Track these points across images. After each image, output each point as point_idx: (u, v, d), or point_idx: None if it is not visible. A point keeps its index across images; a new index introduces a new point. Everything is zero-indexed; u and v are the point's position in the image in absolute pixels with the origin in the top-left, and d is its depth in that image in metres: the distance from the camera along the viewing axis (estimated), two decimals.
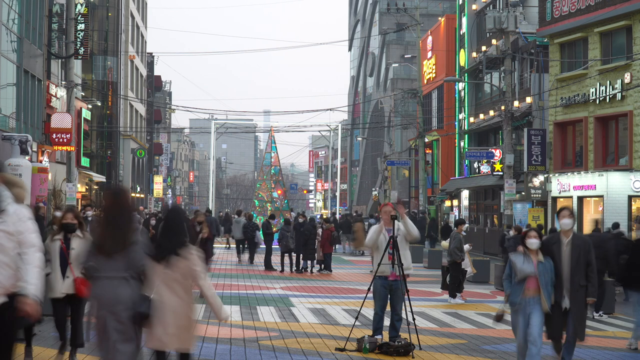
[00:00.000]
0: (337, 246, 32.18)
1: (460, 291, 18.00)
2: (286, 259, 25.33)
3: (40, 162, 28.80)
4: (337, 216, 46.30)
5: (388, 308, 11.42)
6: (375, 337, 11.25)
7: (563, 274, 9.41)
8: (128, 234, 6.64)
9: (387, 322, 11.61)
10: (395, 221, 11.28)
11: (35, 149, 28.38)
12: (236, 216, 32.49)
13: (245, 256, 28.78)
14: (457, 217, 40.63)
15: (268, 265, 25.80)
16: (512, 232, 23.97)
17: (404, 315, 11.23)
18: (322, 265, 25.49)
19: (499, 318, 9.97)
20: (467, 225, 21.70)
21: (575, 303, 9.47)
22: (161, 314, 6.78)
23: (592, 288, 9.52)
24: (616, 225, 20.43)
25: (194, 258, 7.02)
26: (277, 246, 26.07)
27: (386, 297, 11.28)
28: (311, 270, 25.22)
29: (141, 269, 6.69)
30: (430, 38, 52.25)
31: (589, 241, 9.91)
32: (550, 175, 30.61)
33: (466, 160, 40.94)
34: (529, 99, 32.92)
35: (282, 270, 24.96)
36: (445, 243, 20.77)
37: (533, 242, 9.31)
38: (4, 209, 6.14)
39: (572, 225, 9.70)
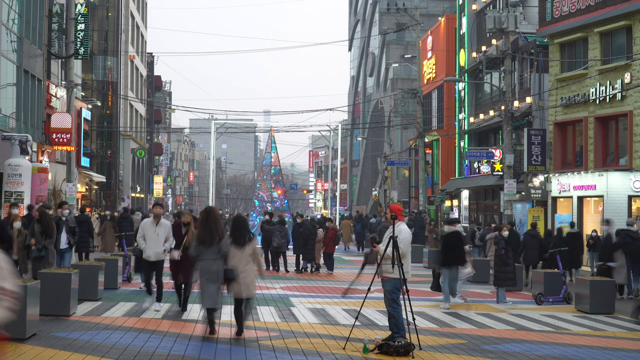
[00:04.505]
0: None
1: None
2: (281, 259, 25.44)
3: (40, 162, 28.81)
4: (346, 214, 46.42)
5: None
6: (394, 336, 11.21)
7: None
8: (218, 234, 11.72)
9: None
10: (396, 222, 11.28)
11: (35, 149, 28.39)
12: (262, 216, 33.82)
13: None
14: (455, 217, 40.59)
15: (267, 265, 25.80)
16: (482, 230, 24.27)
17: (404, 315, 11.21)
18: (315, 267, 25.47)
19: None
20: (460, 225, 21.62)
21: None
22: (237, 277, 11.64)
23: None
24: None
25: (254, 244, 12.03)
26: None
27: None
28: (311, 270, 25.24)
29: (226, 253, 11.68)
30: (430, 38, 52.25)
31: None
32: (550, 175, 30.61)
33: (466, 160, 40.94)
34: (529, 99, 32.92)
35: (286, 271, 25.02)
36: None
37: None
38: None
39: None
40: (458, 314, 15.76)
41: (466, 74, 42.67)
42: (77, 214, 23.79)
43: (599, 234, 23.76)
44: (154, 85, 72.66)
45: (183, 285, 14.51)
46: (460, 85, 44.25)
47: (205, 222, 11.86)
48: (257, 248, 12.08)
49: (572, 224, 23.79)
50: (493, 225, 26.38)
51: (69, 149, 29.96)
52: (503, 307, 17.17)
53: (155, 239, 14.30)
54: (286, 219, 29.35)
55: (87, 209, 32.95)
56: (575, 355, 11.52)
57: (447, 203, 46.86)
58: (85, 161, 38.72)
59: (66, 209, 18.74)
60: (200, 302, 11.95)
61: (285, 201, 43.41)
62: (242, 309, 11.85)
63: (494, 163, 36.01)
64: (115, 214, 32.70)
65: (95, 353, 10.23)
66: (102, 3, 51.81)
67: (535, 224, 24.12)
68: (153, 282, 14.70)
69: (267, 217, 27.68)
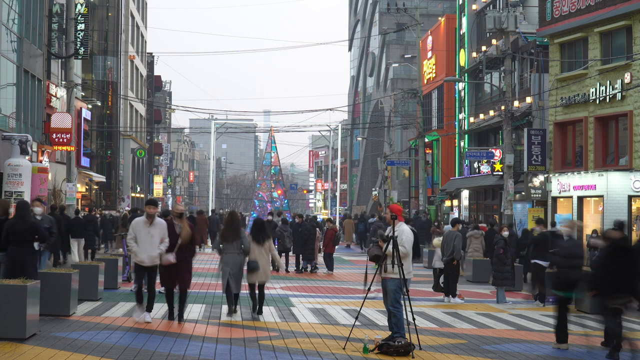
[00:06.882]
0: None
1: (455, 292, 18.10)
2: (282, 259, 25.42)
3: (40, 162, 28.80)
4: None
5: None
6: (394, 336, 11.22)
7: None
8: (238, 231, 14.13)
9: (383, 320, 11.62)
10: (396, 221, 11.29)
11: (35, 149, 28.38)
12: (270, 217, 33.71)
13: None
14: (457, 217, 40.61)
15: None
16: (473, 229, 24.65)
17: (404, 315, 11.22)
18: (313, 267, 25.45)
19: None
20: (460, 225, 21.76)
21: None
22: (257, 266, 14.13)
23: None
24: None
25: (270, 241, 14.61)
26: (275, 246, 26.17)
27: (384, 296, 11.43)
28: (311, 270, 25.25)
29: (247, 248, 14.06)
30: (430, 38, 52.24)
31: None
32: (550, 175, 30.61)
33: (466, 160, 40.93)
34: (529, 99, 32.92)
35: (287, 271, 25.03)
36: (436, 241, 20.77)
37: None
38: None
39: None
40: (458, 314, 15.77)
41: (466, 74, 42.66)
42: (84, 213, 24.12)
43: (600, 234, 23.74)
44: (154, 85, 72.64)
45: (178, 292, 13.29)
46: (460, 85, 44.25)
47: (230, 222, 14.25)
48: (272, 244, 14.57)
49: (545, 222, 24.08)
50: (470, 225, 26.75)
51: (69, 149, 29.94)
52: (503, 307, 17.18)
53: (150, 241, 12.77)
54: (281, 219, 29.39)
55: (86, 209, 33.01)
56: (575, 355, 11.52)
57: (447, 203, 46.85)
58: (85, 161, 38.70)
59: (38, 206, 16.39)
60: (223, 288, 14.15)
61: (285, 201, 43.43)
62: (257, 291, 14.28)
63: (494, 163, 36.00)
64: (117, 213, 32.73)
65: (95, 353, 10.23)
66: (102, 3, 51.78)
67: (512, 223, 24.95)
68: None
69: (269, 217, 27.97)
